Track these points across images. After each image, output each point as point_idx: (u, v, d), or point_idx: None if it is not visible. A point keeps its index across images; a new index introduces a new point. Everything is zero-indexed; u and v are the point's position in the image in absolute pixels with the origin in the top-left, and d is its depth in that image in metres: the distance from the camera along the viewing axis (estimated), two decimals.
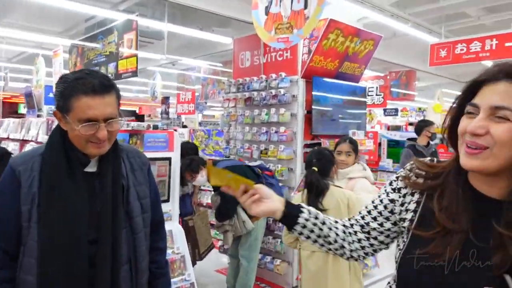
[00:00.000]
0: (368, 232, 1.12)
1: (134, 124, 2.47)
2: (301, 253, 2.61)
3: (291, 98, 4.07)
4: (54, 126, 1.36)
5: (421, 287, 0.92)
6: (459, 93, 0.97)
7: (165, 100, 12.03)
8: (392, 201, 1.06)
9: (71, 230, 1.21)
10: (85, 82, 1.21)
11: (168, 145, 2.66)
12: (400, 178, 1.07)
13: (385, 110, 14.11)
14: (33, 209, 1.22)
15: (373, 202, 1.13)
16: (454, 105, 0.96)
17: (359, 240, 1.13)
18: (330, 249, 1.16)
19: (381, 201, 1.09)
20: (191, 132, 6.23)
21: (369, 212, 1.12)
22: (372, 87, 9.88)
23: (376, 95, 10.09)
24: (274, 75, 4.22)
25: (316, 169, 2.51)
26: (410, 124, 12.70)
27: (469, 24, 7.52)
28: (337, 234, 1.14)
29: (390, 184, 1.09)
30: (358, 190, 2.82)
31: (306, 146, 4.08)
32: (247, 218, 3.36)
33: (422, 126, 5.14)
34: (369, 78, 9.95)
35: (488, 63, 8.37)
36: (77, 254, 1.21)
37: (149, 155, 2.50)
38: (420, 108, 14.97)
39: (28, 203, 1.22)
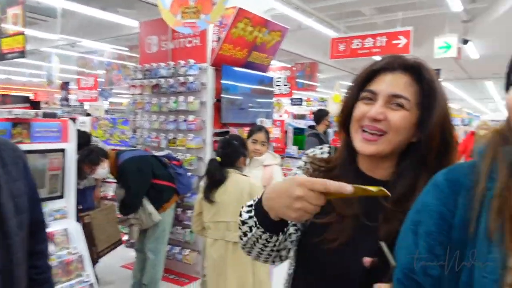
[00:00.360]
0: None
1: (19, 112, 2.12)
2: (206, 241, 2.60)
3: (200, 86, 3.94)
4: None
5: (317, 267, 0.95)
6: (351, 83, 0.99)
7: (64, 85, 10.97)
8: None
9: None
10: None
11: (61, 135, 2.37)
12: (301, 172, 1.06)
13: (291, 99, 14.68)
14: None
15: None
16: (349, 92, 0.98)
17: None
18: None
19: None
20: (94, 121, 5.73)
21: None
22: (280, 77, 10.15)
23: (284, 85, 10.40)
24: (182, 62, 4.04)
25: (218, 158, 2.49)
26: (313, 113, 13.40)
27: (364, 22, 8.08)
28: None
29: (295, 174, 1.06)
30: (278, 178, 2.86)
31: (215, 134, 4.01)
32: (154, 210, 3.20)
33: (322, 115, 5.42)
34: (277, 68, 10.20)
35: (378, 58, 9.13)
36: None
37: (38, 146, 2.20)
38: (322, 98, 15.87)
39: None
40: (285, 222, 0.90)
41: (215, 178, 2.47)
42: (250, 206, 0.93)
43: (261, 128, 3.07)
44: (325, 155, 1.07)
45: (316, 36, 8.33)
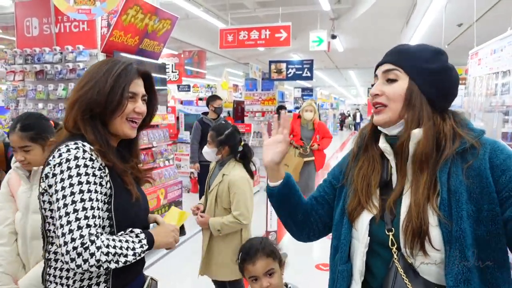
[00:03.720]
0: None
1: None
2: None
3: None
4: None
5: None
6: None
7: None
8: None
9: None
10: None
11: None
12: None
13: (179, 86, 14.51)
14: None
15: None
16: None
17: None
18: None
19: None
20: None
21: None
22: (168, 65, 9.98)
23: (172, 72, 10.25)
24: (70, 48, 3.78)
25: None
26: (200, 99, 13.50)
27: (248, 15, 8.42)
28: None
29: None
30: None
31: None
32: None
33: (208, 101, 5.50)
34: (165, 55, 10.00)
35: (262, 49, 9.67)
36: None
37: None
38: (209, 85, 16.02)
39: None
40: None
41: None
42: (137, 235, 1.21)
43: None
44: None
45: (203, 26, 8.42)
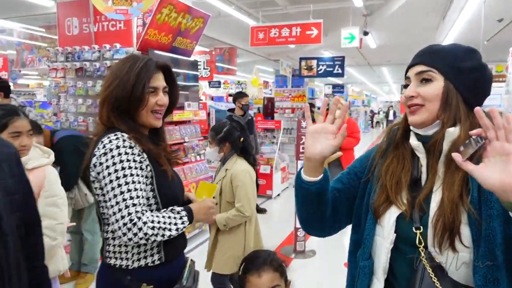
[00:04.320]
0: None
1: None
2: None
3: None
4: None
5: None
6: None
7: None
8: None
9: None
10: None
11: None
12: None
13: (209, 82, 14.69)
14: None
15: None
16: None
17: None
18: None
19: None
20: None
21: None
22: (200, 61, 10.13)
23: (204, 68, 10.40)
24: (108, 46, 3.93)
25: None
26: (230, 95, 13.61)
27: (279, 12, 8.40)
28: None
29: None
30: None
31: None
32: (89, 192, 3.15)
33: (235, 98, 5.53)
34: (197, 52, 10.15)
35: (293, 46, 9.62)
36: None
37: None
38: (239, 82, 16.12)
39: None
40: None
41: None
42: (179, 212, 1.37)
43: (19, 112, 1.91)
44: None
45: (234, 23, 8.47)
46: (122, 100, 1.34)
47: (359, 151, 4.50)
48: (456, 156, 0.83)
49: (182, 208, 1.38)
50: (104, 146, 1.29)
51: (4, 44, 7.75)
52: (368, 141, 17.55)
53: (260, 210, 5.88)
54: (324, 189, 1.09)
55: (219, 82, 15.54)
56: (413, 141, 1.06)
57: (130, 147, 1.30)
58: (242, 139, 2.59)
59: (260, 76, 12.11)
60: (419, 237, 0.97)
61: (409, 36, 9.62)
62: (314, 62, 9.43)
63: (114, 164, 1.27)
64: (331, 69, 9.41)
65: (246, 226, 2.50)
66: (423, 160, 1.04)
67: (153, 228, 1.25)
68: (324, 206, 1.13)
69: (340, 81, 18.24)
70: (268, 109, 8.50)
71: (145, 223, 1.23)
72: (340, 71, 9.38)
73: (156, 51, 4.09)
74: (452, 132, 0.98)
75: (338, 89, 17.19)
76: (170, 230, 1.29)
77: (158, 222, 1.27)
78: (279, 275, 1.40)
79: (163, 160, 1.40)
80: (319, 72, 9.44)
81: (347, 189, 1.18)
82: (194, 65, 4.98)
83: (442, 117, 1.00)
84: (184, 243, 1.53)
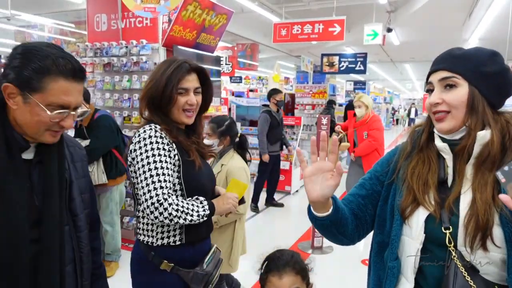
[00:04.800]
0: None
1: None
2: None
3: (153, 65, 3.98)
4: None
5: None
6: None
7: None
8: None
9: (13, 229, 0.98)
10: (67, 64, 1.01)
11: None
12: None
13: (231, 78, 14.77)
14: None
15: None
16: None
17: None
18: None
19: None
20: None
21: None
22: (222, 57, 10.21)
23: (226, 64, 10.48)
24: (134, 42, 4.03)
25: None
26: (251, 90, 13.63)
27: (302, 8, 8.36)
28: None
29: None
30: None
31: None
32: (104, 173, 3.25)
33: (270, 94, 5.60)
34: (219, 48, 10.23)
35: (314, 42, 9.56)
36: (17, 255, 0.99)
37: None
38: (260, 77, 16.14)
39: None
40: None
41: None
42: (201, 202, 1.50)
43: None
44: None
45: (257, 19, 8.49)
46: (155, 98, 1.51)
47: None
48: (504, 198, 0.84)
49: (204, 198, 1.51)
50: (139, 135, 1.47)
51: (36, 39, 8.03)
52: (390, 138, 17.27)
53: (277, 205, 5.95)
54: (338, 217, 1.08)
55: (240, 78, 15.62)
56: (439, 143, 1.06)
57: (161, 137, 1.46)
58: (239, 134, 2.62)
59: (281, 72, 12.09)
60: (448, 237, 0.97)
61: (434, 33, 9.41)
62: (336, 59, 9.36)
63: (146, 151, 1.43)
64: (353, 65, 9.32)
65: (236, 224, 2.50)
66: (449, 162, 1.05)
67: (177, 210, 1.38)
68: (344, 227, 1.13)
69: (362, 77, 18.00)
70: (289, 105, 8.50)
71: (170, 204, 1.38)
72: (362, 67, 9.27)
73: (181, 47, 4.17)
74: (484, 136, 0.98)
75: (360, 85, 16.95)
76: (191, 215, 1.42)
77: (182, 207, 1.40)
78: (300, 278, 1.37)
79: (192, 152, 1.53)
80: (341, 68, 9.36)
81: (370, 194, 1.19)
82: (217, 60, 5.05)
83: (469, 122, 1.00)
84: (207, 231, 1.65)
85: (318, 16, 6.99)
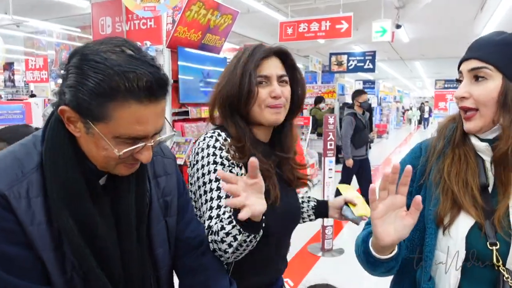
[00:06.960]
0: None
1: None
2: None
3: None
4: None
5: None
6: (298, 64, 1.13)
7: (8, 66, 10.19)
8: None
9: (110, 272, 0.82)
10: (140, 79, 0.72)
11: (25, 117, 2.31)
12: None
13: None
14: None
15: None
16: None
17: None
18: None
19: None
20: (46, 102, 5.43)
21: None
22: (230, 58, 10.16)
23: None
24: (139, 44, 3.95)
25: None
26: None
27: (308, 7, 8.24)
28: None
29: None
30: None
31: (174, 114, 4.03)
32: None
33: (353, 96, 5.37)
34: (227, 49, 10.16)
35: (322, 41, 9.43)
36: None
37: None
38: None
39: (48, 247, 0.75)
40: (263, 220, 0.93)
41: None
42: (229, 217, 0.95)
43: None
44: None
45: (263, 19, 8.40)
46: (231, 97, 1.14)
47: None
48: None
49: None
50: (198, 144, 1.14)
51: (45, 44, 8.09)
52: (400, 136, 17.03)
53: None
54: (401, 256, 0.93)
55: None
56: (476, 141, 0.92)
57: (220, 149, 1.10)
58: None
59: None
60: (496, 255, 0.83)
61: (445, 28, 9.19)
62: (344, 57, 9.22)
63: (202, 166, 1.10)
64: (362, 64, 9.17)
65: None
66: (488, 163, 0.91)
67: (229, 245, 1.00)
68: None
69: (371, 76, 17.77)
70: None
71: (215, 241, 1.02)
72: (371, 66, 9.12)
73: (186, 49, 4.10)
74: None
75: (369, 84, 16.76)
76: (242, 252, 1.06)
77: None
78: None
79: (269, 178, 1.11)
80: (350, 67, 9.22)
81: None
82: (224, 61, 4.96)
83: (501, 121, 0.86)
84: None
85: (325, 14, 6.87)
